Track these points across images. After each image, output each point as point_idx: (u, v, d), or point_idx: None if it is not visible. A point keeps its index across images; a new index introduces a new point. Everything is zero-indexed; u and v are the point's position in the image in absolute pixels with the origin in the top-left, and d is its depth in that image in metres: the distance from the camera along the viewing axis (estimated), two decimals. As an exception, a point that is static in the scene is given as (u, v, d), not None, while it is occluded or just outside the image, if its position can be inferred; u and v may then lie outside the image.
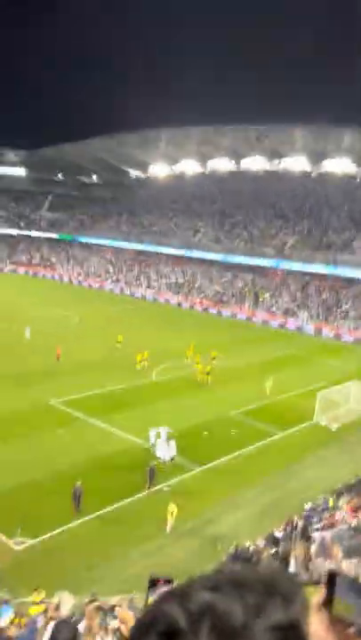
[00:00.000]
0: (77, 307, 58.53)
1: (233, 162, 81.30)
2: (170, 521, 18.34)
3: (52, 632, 3.33)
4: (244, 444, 25.53)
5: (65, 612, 5.02)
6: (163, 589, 1.57)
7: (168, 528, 18.35)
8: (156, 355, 38.62)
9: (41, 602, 12.70)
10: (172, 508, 18.45)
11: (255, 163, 78.64)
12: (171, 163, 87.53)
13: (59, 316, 52.05)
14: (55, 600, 5.61)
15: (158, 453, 23.01)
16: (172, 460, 22.95)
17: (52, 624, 4.68)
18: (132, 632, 0.69)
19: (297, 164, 75.33)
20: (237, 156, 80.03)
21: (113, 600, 13.27)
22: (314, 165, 74.99)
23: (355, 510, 18.55)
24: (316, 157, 73.33)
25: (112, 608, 11.35)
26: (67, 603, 5.31)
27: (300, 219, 77.67)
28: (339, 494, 20.30)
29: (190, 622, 0.64)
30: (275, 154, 76.10)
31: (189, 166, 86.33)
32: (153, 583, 1.56)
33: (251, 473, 23.05)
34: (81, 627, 3.64)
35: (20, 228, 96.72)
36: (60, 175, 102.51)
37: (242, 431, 27.32)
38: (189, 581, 0.72)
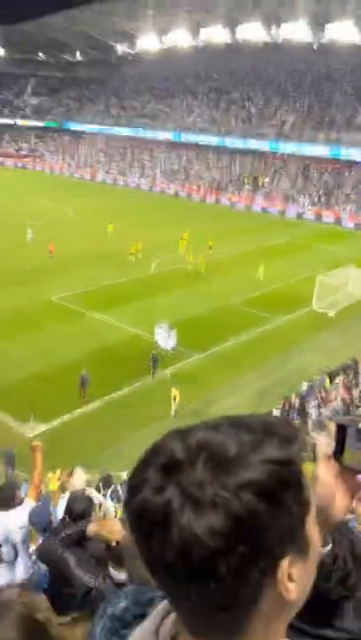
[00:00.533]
0: (70, 200, 56.96)
1: (228, 30, 74.30)
2: (173, 405, 19.37)
3: (68, 502, 3.61)
4: (243, 332, 26.20)
5: (78, 485, 5.46)
6: None
7: (172, 411, 19.42)
8: (153, 246, 38.33)
9: (58, 479, 13.81)
10: (175, 392, 19.39)
11: (252, 31, 71.87)
12: (160, 34, 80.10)
13: (52, 210, 50.85)
14: (69, 473, 6.12)
15: (160, 343, 23.69)
16: (173, 349, 23.68)
17: (66, 494, 5.11)
18: (136, 465, 0.74)
19: (297, 31, 68.91)
20: (233, 23, 73.06)
21: (124, 475, 14.41)
22: (315, 33, 68.74)
23: (348, 388, 19.51)
24: (319, 22, 67.01)
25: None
26: (80, 477, 5.78)
27: (301, 95, 73.02)
28: (334, 374, 21.24)
29: (188, 454, 0.70)
30: (273, 19, 69.47)
31: (181, 38, 79.06)
32: None
33: (249, 358, 23.90)
34: (94, 499, 3.99)
35: (3, 116, 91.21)
36: (41, 54, 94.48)
37: (240, 319, 27.90)
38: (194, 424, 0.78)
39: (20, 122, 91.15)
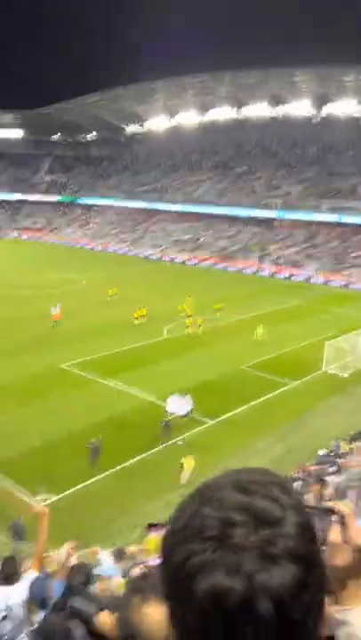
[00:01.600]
0: (83, 270, 58.40)
1: (234, 109, 78.67)
2: (185, 473, 18.81)
3: (69, 573, 3.43)
4: (256, 397, 25.84)
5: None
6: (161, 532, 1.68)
7: (183, 479, 18.84)
8: (162, 313, 38.78)
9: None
10: (188, 460, 18.89)
11: (257, 110, 76.05)
12: (169, 115, 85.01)
13: (65, 280, 52.04)
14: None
15: (172, 410, 23.25)
16: (188, 414, 23.27)
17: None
18: (168, 541, 0.71)
19: (300, 108, 72.79)
20: (238, 103, 77.53)
21: (132, 548, 13.79)
22: (317, 109, 72.52)
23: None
24: (320, 101, 70.89)
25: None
26: (105, 557, 5.47)
27: (305, 166, 75.99)
28: (352, 440, 20.63)
29: (235, 524, 0.66)
30: (276, 99, 73.64)
31: (188, 117, 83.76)
32: (151, 527, 1.68)
33: (263, 424, 23.42)
34: (97, 570, 3.78)
35: (21, 192, 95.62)
36: (57, 136, 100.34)
37: (252, 383, 27.62)
38: (206, 487, 0.75)
39: (36, 197, 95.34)
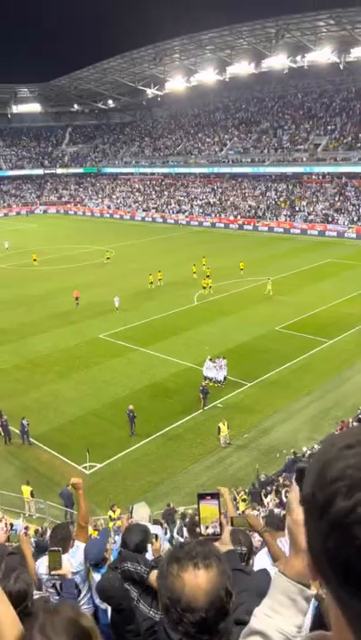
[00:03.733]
0: (111, 240, 58.46)
1: (253, 65, 75.61)
2: (222, 436, 19.06)
3: (123, 535, 3.55)
4: (292, 357, 25.71)
5: (139, 520, 5.36)
6: (211, 502, 1.78)
7: (222, 442, 19.12)
8: (191, 279, 38.74)
9: (118, 518, 13.77)
10: (221, 425, 19.09)
11: (277, 61, 72.78)
12: (188, 75, 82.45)
13: (94, 252, 52.24)
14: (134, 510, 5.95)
15: (209, 375, 23.41)
16: (224, 380, 23.42)
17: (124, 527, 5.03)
18: (324, 489, 0.73)
19: (322, 56, 69.25)
20: (258, 56, 74.42)
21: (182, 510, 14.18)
22: (341, 55, 68.94)
23: None
24: (343, 46, 67.28)
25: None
26: (141, 512, 5.59)
27: (331, 116, 73.10)
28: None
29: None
30: (298, 49, 70.30)
31: (208, 76, 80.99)
32: (201, 497, 1.76)
33: (302, 383, 23.38)
34: (154, 529, 3.89)
35: (44, 166, 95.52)
36: (76, 106, 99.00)
37: (289, 343, 27.45)
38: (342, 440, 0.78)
39: (59, 170, 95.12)
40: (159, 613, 2.67)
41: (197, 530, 1.88)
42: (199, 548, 1.42)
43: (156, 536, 3.68)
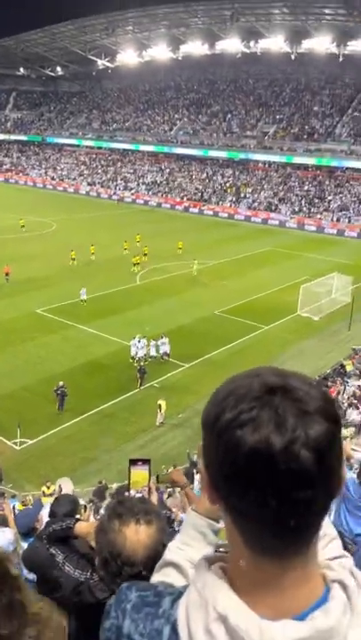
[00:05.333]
0: (54, 214, 56.88)
1: (207, 45, 75.06)
2: (159, 414, 19.29)
3: (51, 505, 3.50)
4: (230, 340, 26.23)
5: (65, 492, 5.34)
6: (142, 467, 1.79)
7: (157, 421, 19.33)
8: (132, 258, 38.52)
9: (50, 494, 13.64)
10: (161, 402, 19.31)
11: (232, 45, 72.64)
12: (140, 49, 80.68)
13: (35, 224, 50.69)
14: (59, 483, 5.90)
15: (140, 353, 23.52)
16: (166, 355, 23.71)
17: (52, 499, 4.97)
18: (215, 406, 0.82)
19: (275, 44, 69.79)
20: (212, 38, 73.92)
21: (115, 485, 14.23)
22: (293, 45, 69.75)
23: (337, 393, 19.54)
24: (296, 36, 68.06)
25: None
26: (67, 486, 5.60)
27: (281, 106, 74.05)
28: (321, 380, 21.29)
29: (275, 389, 0.79)
30: (252, 34, 70.42)
31: (161, 52, 79.65)
32: (133, 462, 1.77)
33: (238, 366, 23.80)
34: (81, 500, 3.88)
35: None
36: (22, 69, 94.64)
37: (227, 327, 27.96)
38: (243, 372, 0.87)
39: (1, 136, 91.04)
40: (84, 574, 2.64)
41: (126, 494, 1.90)
42: (140, 505, 1.45)
43: (85, 507, 3.66)
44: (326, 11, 62.44)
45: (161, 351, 23.86)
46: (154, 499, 1.92)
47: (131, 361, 23.19)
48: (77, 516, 3.16)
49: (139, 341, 23.60)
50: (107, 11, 72.53)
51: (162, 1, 69.02)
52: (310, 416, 0.76)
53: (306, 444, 0.74)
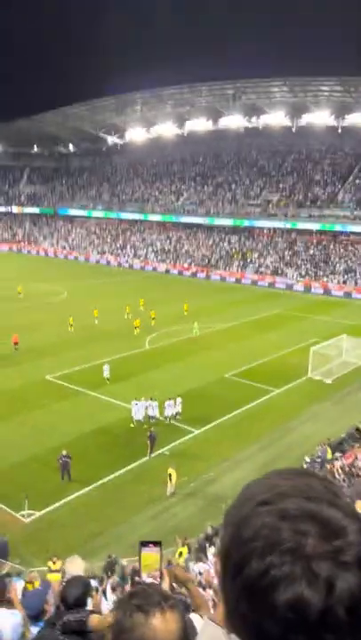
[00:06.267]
0: (64, 281, 58.08)
1: (211, 122, 79.34)
2: (169, 484, 18.69)
3: (62, 589, 3.34)
4: (241, 405, 25.84)
5: (75, 573, 5.07)
6: (153, 550, 1.71)
7: (168, 491, 18.71)
8: (143, 323, 38.78)
9: (58, 570, 13.03)
10: (171, 471, 18.75)
11: (234, 121, 76.79)
12: (148, 126, 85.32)
13: (46, 292, 51.65)
14: (67, 564, 5.62)
15: (139, 416, 23.32)
16: (176, 416, 23.44)
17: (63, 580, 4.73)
18: (239, 551, 0.71)
19: (276, 119, 73.67)
20: (215, 114, 78.21)
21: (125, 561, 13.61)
22: (294, 119, 73.48)
23: (348, 458, 18.98)
24: (296, 111, 71.84)
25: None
26: (76, 565, 5.32)
27: (283, 175, 76.82)
28: (336, 445, 20.75)
29: (307, 534, 0.70)
30: (254, 110, 74.44)
31: (167, 129, 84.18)
32: (143, 545, 1.69)
33: (248, 432, 23.41)
34: (93, 582, 3.69)
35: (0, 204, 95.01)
36: (35, 147, 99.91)
37: (237, 391, 27.64)
38: (264, 493, 0.75)
39: (15, 209, 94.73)
40: None
41: (137, 579, 1.80)
42: (155, 592, 1.35)
43: (97, 589, 3.48)
44: (324, 88, 66.31)
45: (174, 411, 23.60)
46: (165, 584, 1.81)
47: (132, 425, 22.88)
48: (89, 608, 3.02)
49: (136, 404, 23.50)
50: (116, 91, 77.45)
51: (168, 82, 73.71)
52: (348, 568, 0.68)
53: (341, 601, 0.66)
